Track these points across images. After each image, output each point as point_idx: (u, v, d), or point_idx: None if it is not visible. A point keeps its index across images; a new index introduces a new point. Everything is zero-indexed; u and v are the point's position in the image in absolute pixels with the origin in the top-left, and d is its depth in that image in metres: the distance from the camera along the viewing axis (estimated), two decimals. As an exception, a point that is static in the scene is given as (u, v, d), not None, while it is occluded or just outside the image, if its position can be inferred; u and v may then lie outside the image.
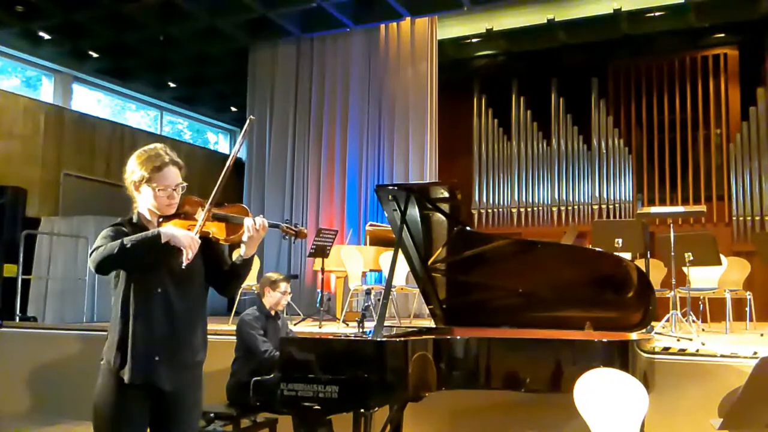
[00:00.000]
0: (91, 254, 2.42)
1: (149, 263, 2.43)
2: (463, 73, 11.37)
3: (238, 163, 13.42)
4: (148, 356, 2.43)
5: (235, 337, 4.70)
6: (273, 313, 4.68)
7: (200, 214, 2.51)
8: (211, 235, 2.51)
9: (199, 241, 2.40)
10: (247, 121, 2.67)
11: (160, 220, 2.53)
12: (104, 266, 2.39)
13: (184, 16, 9.38)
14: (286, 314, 5.58)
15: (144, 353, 2.42)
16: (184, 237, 2.37)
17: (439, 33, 9.60)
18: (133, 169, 2.51)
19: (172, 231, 2.38)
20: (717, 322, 6.92)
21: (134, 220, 2.57)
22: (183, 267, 2.37)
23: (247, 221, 2.50)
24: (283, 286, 4.62)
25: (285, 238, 2.71)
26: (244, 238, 2.51)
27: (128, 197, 2.60)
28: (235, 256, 2.66)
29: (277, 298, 4.62)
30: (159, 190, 2.48)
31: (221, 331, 6.00)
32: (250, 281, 7.54)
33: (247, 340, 4.49)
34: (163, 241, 2.36)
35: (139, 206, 2.58)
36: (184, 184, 2.56)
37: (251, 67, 10.62)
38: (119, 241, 2.36)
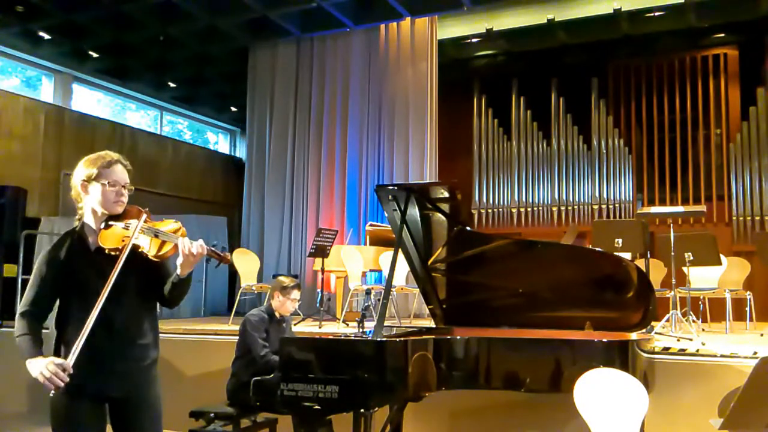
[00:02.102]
0: (19, 314, 2.52)
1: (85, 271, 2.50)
2: (463, 73, 11.37)
3: (239, 163, 13.45)
4: (89, 365, 2.40)
5: (234, 337, 4.70)
6: (279, 316, 4.67)
7: (134, 226, 2.50)
8: (140, 249, 2.48)
9: (64, 365, 2.28)
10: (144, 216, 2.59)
11: (102, 226, 2.52)
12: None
13: (184, 16, 9.38)
14: (286, 314, 5.57)
15: (84, 362, 2.36)
16: (35, 370, 2.31)
17: (439, 33, 9.59)
18: (81, 170, 2.54)
19: (33, 372, 2.32)
20: (717, 322, 6.92)
21: (77, 229, 2.58)
22: (50, 394, 2.32)
23: (182, 242, 2.46)
24: (294, 293, 4.63)
25: (207, 262, 2.64)
26: (179, 260, 2.47)
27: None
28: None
29: (285, 303, 4.62)
30: (108, 184, 2.50)
31: (221, 331, 6.00)
32: (250, 281, 7.54)
33: (248, 341, 4.49)
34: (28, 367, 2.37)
35: (84, 211, 2.57)
36: (132, 187, 2.58)
37: (251, 67, 10.61)
38: (18, 341, 2.44)
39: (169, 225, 2.56)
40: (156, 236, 2.51)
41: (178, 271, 2.50)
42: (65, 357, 2.36)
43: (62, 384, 2.25)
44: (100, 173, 2.50)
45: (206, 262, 2.59)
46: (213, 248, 2.55)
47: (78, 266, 2.49)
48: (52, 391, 2.28)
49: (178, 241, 2.47)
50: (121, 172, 2.55)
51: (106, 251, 2.47)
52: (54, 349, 2.48)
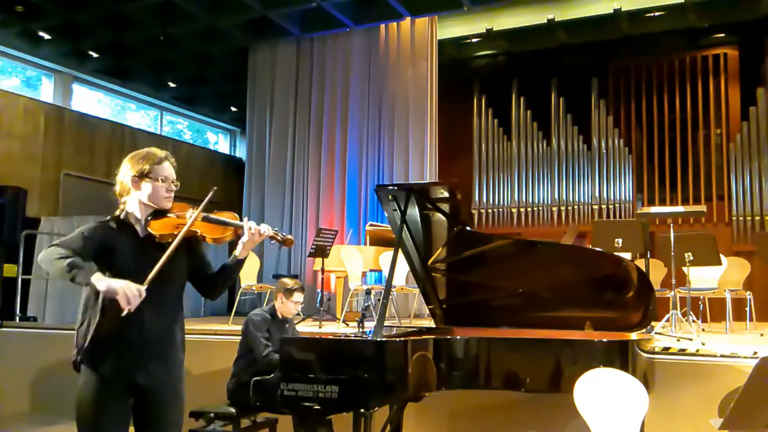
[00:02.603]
0: (49, 247, 2.43)
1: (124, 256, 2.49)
2: (463, 73, 11.38)
3: (238, 163, 13.45)
4: (125, 351, 2.47)
5: (234, 337, 4.71)
6: (281, 317, 4.68)
7: (190, 213, 2.59)
8: (199, 234, 2.57)
9: (142, 290, 2.33)
10: (211, 192, 2.64)
11: (149, 218, 2.57)
12: (47, 270, 2.43)
13: (184, 16, 9.38)
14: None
15: (120, 348, 2.46)
16: (119, 286, 2.31)
17: (439, 33, 9.59)
18: (132, 166, 2.58)
19: (107, 283, 2.32)
20: (717, 322, 6.91)
21: (122, 216, 2.60)
22: (122, 315, 2.32)
23: (249, 224, 2.60)
24: (296, 295, 4.63)
25: (272, 244, 2.77)
26: (243, 239, 2.59)
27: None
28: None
29: (287, 305, 4.63)
30: (161, 180, 2.56)
31: (221, 331, 6.00)
32: (250, 281, 7.54)
33: (251, 340, 4.49)
34: (99, 289, 2.33)
35: (128, 205, 2.60)
36: (178, 183, 2.64)
37: (251, 67, 10.61)
38: (69, 261, 2.34)
39: (225, 215, 2.66)
40: (213, 222, 2.61)
41: (238, 252, 2.62)
42: (102, 344, 2.43)
43: (134, 307, 2.31)
44: (152, 170, 2.56)
45: (270, 244, 2.76)
46: (275, 231, 2.71)
47: (123, 251, 2.50)
48: (125, 312, 2.30)
49: (243, 222, 2.60)
50: (170, 169, 2.62)
51: (157, 239, 2.52)
52: (89, 336, 2.46)
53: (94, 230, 2.53)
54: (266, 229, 2.63)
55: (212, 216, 2.63)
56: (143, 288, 2.34)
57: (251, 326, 4.53)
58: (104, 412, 2.46)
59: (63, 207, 10.70)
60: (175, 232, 2.51)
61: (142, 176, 2.55)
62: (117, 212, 2.62)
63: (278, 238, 2.69)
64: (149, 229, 2.55)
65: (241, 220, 2.66)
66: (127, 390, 2.50)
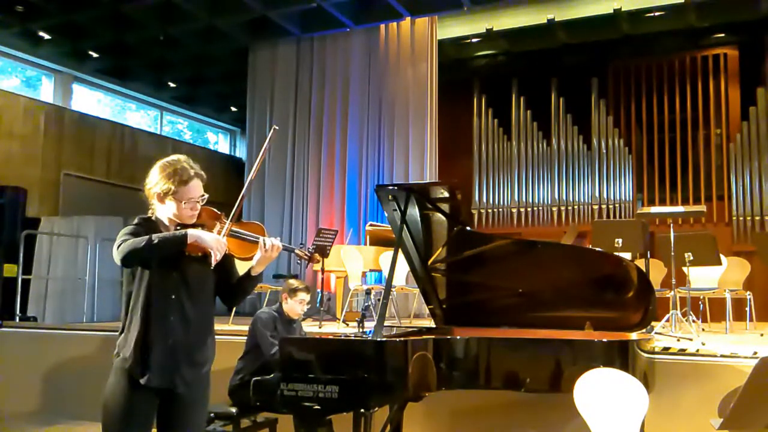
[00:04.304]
0: (118, 247, 2.43)
1: (170, 263, 2.49)
2: (463, 73, 11.38)
3: (238, 163, 13.45)
4: (166, 360, 2.49)
5: (234, 337, 4.70)
6: (288, 318, 4.68)
7: (218, 229, 2.60)
8: (229, 251, 2.59)
9: (227, 245, 2.48)
10: (272, 131, 2.71)
11: (178, 227, 2.58)
12: (130, 259, 2.41)
13: (184, 16, 9.38)
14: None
15: (162, 357, 2.49)
16: (211, 239, 2.46)
17: (439, 33, 9.59)
18: (158, 181, 2.55)
19: (200, 233, 2.45)
20: (717, 322, 6.91)
21: (153, 219, 2.60)
22: (212, 267, 2.45)
23: (262, 240, 2.61)
24: (301, 295, 4.63)
25: (299, 262, 2.80)
26: (256, 256, 2.61)
27: (141, 201, 2.63)
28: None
29: (293, 306, 4.63)
30: (184, 203, 2.55)
31: (221, 332, 5.99)
32: (250, 281, 7.54)
33: (259, 338, 4.50)
34: (189, 241, 2.42)
35: (157, 213, 2.61)
36: (206, 195, 2.62)
37: (251, 67, 10.62)
38: (147, 236, 2.39)
39: (251, 227, 2.69)
40: (240, 237, 2.62)
41: (253, 268, 2.63)
42: (147, 352, 2.47)
43: (220, 257, 2.46)
44: (177, 191, 2.53)
45: (297, 263, 2.81)
46: (301, 248, 2.74)
47: (163, 261, 2.48)
48: (214, 261, 2.44)
49: (259, 240, 2.60)
50: (197, 188, 2.58)
51: (186, 252, 2.50)
52: (134, 344, 2.47)
53: (135, 230, 2.51)
54: (277, 246, 2.62)
55: (239, 231, 2.63)
56: (225, 241, 2.50)
57: (259, 324, 4.53)
58: (133, 413, 2.47)
59: (63, 207, 10.70)
60: (205, 249, 2.50)
61: (167, 194, 2.53)
62: (147, 215, 2.62)
63: (305, 255, 2.72)
64: None
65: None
66: (157, 393, 2.52)
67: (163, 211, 2.58)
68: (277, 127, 2.70)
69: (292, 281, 4.71)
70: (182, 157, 2.62)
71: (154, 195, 2.56)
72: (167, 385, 2.50)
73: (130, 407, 2.47)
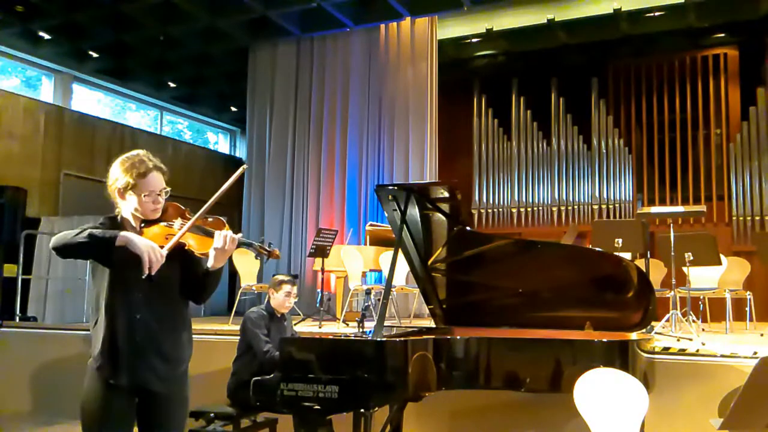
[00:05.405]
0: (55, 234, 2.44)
1: (111, 261, 2.44)
2: (463, 73, 11.37)
3: (238, 163, 13.44)
4: (135, 358, 2.47)
5: (234, 337, 4.70)
6: (279, 314, 4.67)
7: (179, 224, 2.53)
8: (187, 247, 2.52)
9: (164, 255, 2.37)
10: (240, 168, 2.62)
11: (142, 225, 2.54)
12: (61, 250, 2.42)
13: (184, 16, 9.38)
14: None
15: (131, 355, 2.46)
16: (143, 245, 2.36)
17: (439, 33, 9.59)
18: (117, 177, 2.53)
19: (131, 237, 2.37)
20: (717, 322, 6.92)
21: (118, 220, 2.58)
22: (143, 277, 2.35)
23: (218, 233, 2.49)
24: (286, 287, 4.62)
25: (257, 258, 2.71)
26: (212, 249, 2.50)
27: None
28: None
29: (280, 299, 4.62)
30: (144, 196, 2.50)
31: (221, 331, 6.01)
32: (250, 281, 7.54)
33: (250, 337, 4.49)
34: (117, 244, 2.36)
35: (122, 211, 2.59)
36: (168, 188, 2.58)
37: (251, 67, 10.61)
38: (86, 231, 2.38)
39: (214, 223, 2.59)
40: (200, 233, 2.55)
41: (210, 263, 2.53)
42: (115, 351, 2.44)
43: (155, 270, 2.34)
44: (136, 184, 2.49)
45: (255, 258, 2.68)
46: (261, 244, 2.60)
47: (121, 259, 2.43)
48: (144, 274, 2.33)
49: (215, 233, 2.50)
50: (156, 180, 2.53)
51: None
52: (101, 344, 2.47)
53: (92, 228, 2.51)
54: (230, 240, 2.48)
55: (202, 226, 2.56)
56: (164, 255, 2.38)
57: (249, 323, 4.53)
58: (110, 413, 2.46)
59: (63, 207, 10.70)
60: (164, 244, 2.45)
61: (126, 189, 2.51)
62: (114, 214, 2.60)
63: (263, 251, 2.58)
64: None
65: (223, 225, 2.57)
66: (133, 392, 2.51)
67: (127, 207, 2.55)
68: (246, 166, 2.64)
69: (277, 276, 4.71)
70: (141, 152, 2.59)
71: (115, 191, 2.54)
72: (140, 383, 2.48)
73: (106, 408, 2.45)
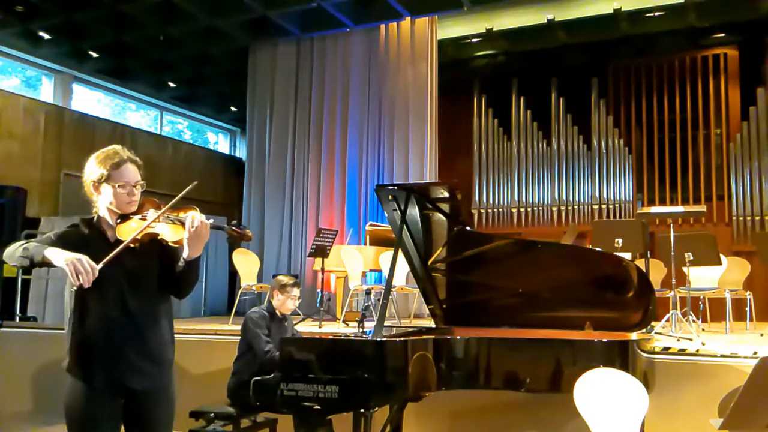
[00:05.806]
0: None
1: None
2: (463, 73, 11.38)
3: (239, 163, 13.45)
4: (112, 357, 2.43)
5: (234, 337, 4.70)
6: (280, 315, 4.68)
7: (151, 214, 2.50)
8: (159, 237, 2.47)
9: (95, 273, 2.25)
10: (192, 185, 2.57)
11: (119, 220, 2.51)
12: (12, 264, 2.42)
13: (184, 16, 9.37)
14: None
15: (107, 355, 2.42)
16: (65, 259, 2.25)
17: (439, 33, 9.59)
18: (92, 170, 2.51)
19: (51, 255, 2.30)
20: (717, 322, 6.91)
21: (94, 221, 2.55)
22: (72, 290, 2.30)
23: (189, 217, 2.42)
24: (293, 290, 4.63)
25: (228, 241, 2.65)
26: (185, 237, 2.43)
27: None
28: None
29: (285, 302, 4.63)
30: (119, 186, 2.47)
31: (221, 331, 6.00)
32: (250, 281, 7.55)
33: (251, 337, 4.49)
34: (35, 261, 2.34)
35: (99, 208, 2.55)
36: (143, 182, 2.55)
37: (251, 67, 10.61)
38: (24, 245, 2.37)
39: (185, 209, 2.53)
40: (173, 222, 2.50)
41: (185, 253, 2.45)
42: (90, 351, 2.40)
43: (87, 284, 2.21)
44: (110, 175, 2.46)
45: (227, 241, 2.59)
46: (231, 226, 2.54)
47: (93, 257, 2.35)
48: (74, 287, 2.24)
49: (186, 217, 2.42)
50: (131, 172, 2.50)
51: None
52: (72, 345, 2.45)
53: (64, 234, 2.48)
54: (202, 221, 2.41)
55: (173, 216, 2.50)
56: (97, 267, 2.25)
57: (250, 323, 4.53)
58: (95, 416, 2.43)
59: (63, 207, 10.70)
60: (139, 237, 2.42)
61: (100, 182, 2.48)
62: (91, 215, 2.57)
63: (234, 233, 2.53)
64: (117, 235, 2.47)
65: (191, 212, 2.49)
66: (116, 392, 2.46)
67: (102, 202, 2.52)
68: (196, 182, 2.59)
69: (281, 277, 4.72)
70: (116, 146, 2.58)
71: (90, 185, 2.51)
72: (120, 383, 2.44)
73: (87, 410, 2.42)
